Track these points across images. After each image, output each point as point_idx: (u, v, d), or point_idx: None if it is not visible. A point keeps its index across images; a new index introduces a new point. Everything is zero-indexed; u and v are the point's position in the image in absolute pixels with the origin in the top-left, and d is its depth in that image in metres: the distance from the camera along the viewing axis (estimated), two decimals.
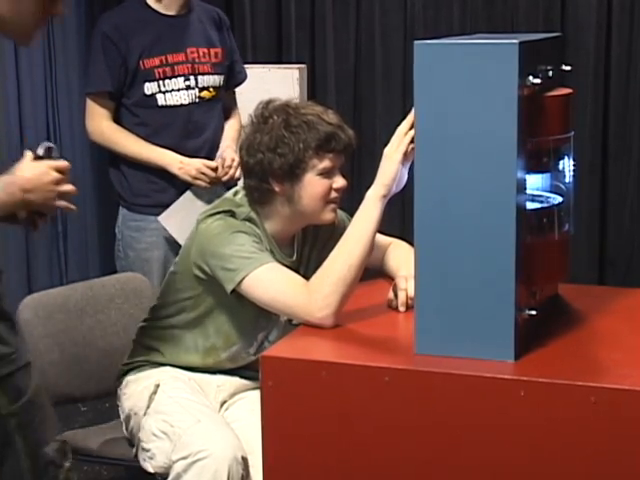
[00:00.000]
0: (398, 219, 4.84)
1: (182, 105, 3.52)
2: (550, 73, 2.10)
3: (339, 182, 2.42)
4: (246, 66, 3.84)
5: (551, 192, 2.19)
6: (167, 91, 3.51)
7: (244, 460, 2.30)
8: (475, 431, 1.94)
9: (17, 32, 2.03)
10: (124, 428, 2.56)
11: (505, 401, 1.91)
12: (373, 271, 2.58)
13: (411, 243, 2.11)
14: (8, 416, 1.91)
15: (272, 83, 4.52)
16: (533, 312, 2.06)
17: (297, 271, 2.44)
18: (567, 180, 2.20)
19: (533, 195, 2.14)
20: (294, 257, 2.50)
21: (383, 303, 2.39)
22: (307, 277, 2.35)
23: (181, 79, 3.52)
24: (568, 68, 2.24)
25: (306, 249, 2.54)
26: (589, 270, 4.98)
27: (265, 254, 2.36)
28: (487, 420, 1.93)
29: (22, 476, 1.92)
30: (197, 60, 3.56)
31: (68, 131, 5.10)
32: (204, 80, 3.57)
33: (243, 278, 2.30)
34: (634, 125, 4.93)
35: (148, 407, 2.43)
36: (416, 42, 1.98)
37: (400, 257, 2.55)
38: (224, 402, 2.53)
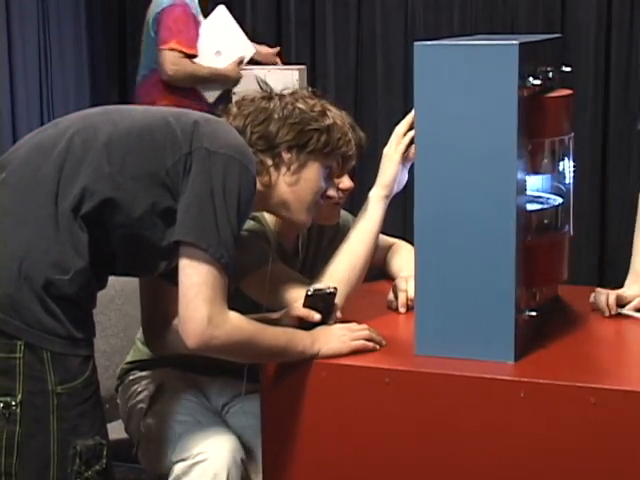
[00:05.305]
0: (400, 220, 4.84)
1: None
2: (550, 74, 2.10)
3: (345, 183, 2.41)
4: (246, 67, 3.82)
5: (551, 193, 2.19)
6: None
7: (243, 463, 2.30)
8: (475, 432, 1.94)
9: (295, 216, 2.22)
10: (125, 427, 2.55)
11: (505, 402, 1.92)
12: (374, 272, 2.58)
13: (413, 244, 2.11)
14: (52, 394, 1.92)
15: (272, 84, 4.50)
16: (533, 313, 2.07)
17: (302, 269, 2.44)
18: (567, 181, 2.20)
19: (533, 196, 2.14)
20: (300, 255, 2.50)
21: (383, 304, 2.39)
22: (312, 276, 2.35)
23: None
24: (568, 69, 2.25)
25: (311, 248, 2.54)
26: (589, 270, 4.98)
27: (266, 253, 2.35)
28: (487, 421, 1.93)
29: (48, 458, 1.92)
30: None
31: None
32: None
33: (246, 277, 2.29)
34: (634, 125, 4.93)
35: (149, 407, 2.42)
36: (416, 43, 1.99)
37: (402, 258, 2.54)
38: (225, 405, 2.52)
